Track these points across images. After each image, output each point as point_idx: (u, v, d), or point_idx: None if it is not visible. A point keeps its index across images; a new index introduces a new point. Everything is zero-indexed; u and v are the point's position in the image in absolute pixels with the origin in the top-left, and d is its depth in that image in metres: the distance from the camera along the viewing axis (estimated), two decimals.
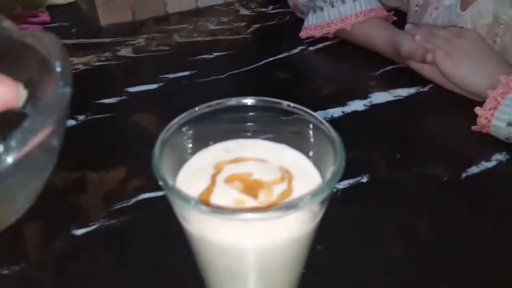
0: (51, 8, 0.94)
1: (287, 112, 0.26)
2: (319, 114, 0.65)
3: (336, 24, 0.79)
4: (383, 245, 0.44)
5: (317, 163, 0.26)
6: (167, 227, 0.41)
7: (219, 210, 0.20)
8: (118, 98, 0.65)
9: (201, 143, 0.27)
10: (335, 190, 0.50)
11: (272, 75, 0.74)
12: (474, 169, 0.53)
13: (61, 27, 0.88)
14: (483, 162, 0.54)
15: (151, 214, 0.46)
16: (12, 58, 0.26)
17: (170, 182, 0.22)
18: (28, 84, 0.25)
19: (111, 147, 0.56)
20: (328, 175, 0.23)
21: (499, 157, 0.55)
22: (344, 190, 0.50)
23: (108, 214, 0.46)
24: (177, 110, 0.65)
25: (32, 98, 0.24)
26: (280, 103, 0.26)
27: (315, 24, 0.82)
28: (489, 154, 0.55)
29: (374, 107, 0.65)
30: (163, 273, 0.40)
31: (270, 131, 0.27)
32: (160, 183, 0.22)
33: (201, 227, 0.22)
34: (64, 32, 0.86)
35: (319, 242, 0.43)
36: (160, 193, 0.48)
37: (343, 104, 0.65)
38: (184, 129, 0.25)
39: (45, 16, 0.89)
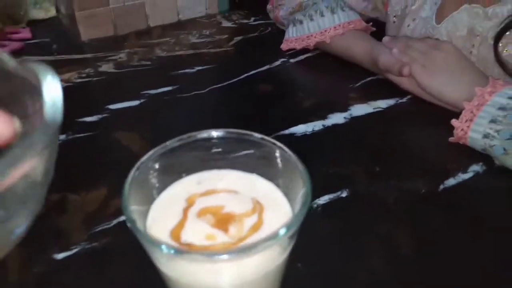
0: (32, 23, 0.93)
1: (256, 143, 0.26)
2: (301, 128, 0.66)
3: (315, 37, 0.80)
4: (363, 259, 0.45)
5: (287, 192, 0.27)
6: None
7: (187, 252, 0.21)
8: (100, 116, 0.65)
9: (173, 175, 0.28)
10: (315, 206, 0.51)
11: (254, 89, 0.75)
12: (451, 181, 0.54)
13: (42, 43, 0.88)
14: (460, 174, 0.55)
15: (133, 235, 0.46)
16: (7, 91, 0.26)
17: (138, 224, 0.22)
18: (23, 119, 0.24)
19: (92, 167, 0.57)
20: (297, 206, 0.24)
21: (476, 168, 0.56)
22: (324, 205, 0.51)
23: (89, 237, 0.46)
24: (159, 127, 0.66)
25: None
26: (250, 135, 0.27)
27: (295, 37, 0.83)
28: (466, 166, 0.56)
29: (354, 119, 0.66)
30: None
31: (241, 162, 0.28)
32: (129, 225, 0.22)
33: (171, 268, 0.23)
34: (45, 48, 0.86)
35: (299, 260, 0.44)
36: None
37: (324, 117, 0.66)
38: (155, 164, 0.26)
39: (26, 32, 0.89)
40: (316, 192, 0.52)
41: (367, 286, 0.42)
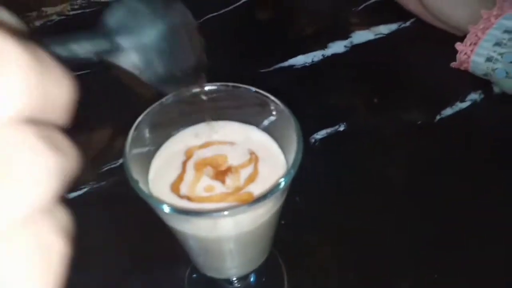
0: None
1: (251, 96, 0.27)
2: (300, 59, 0.65)
3: None
4: (358, 191, 0.47)
5: (281, 143, 0.28)
6: None
7: (189, 212, 0.22)
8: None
9: (171, 129, 0.29)
10: (313, 140, 0.52)
11: (252, 16, 0.73)
12: (448, 111, 0.54)
13: None
14: (457, 103, 0.55)
15: None
16: None
17: (141, 185, 0.24)
18: None
19: (94, 106, 0.57)
20: (290, 159, 0.25)
21: (474, 96, 0.56)
22: (321, 139, 0.52)
23: (97, 177, 0.48)
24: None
25: None
26: (246, 88, 0.27)
27: None
28: (464, 94, 0.56)
29: (354, 47, 0.65)
30: (154, 234, 0.43)
31: (237, 114, 0.29)
32: (132, 185, 0.24)
33: (174, 221, 0.25)
34: None
35: (297, 193, 0.46)
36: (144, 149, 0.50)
37: (324, 46, 0.64)
38: (152, 120, 0.27)
39: None
40: (314, 127, 0.53)
41: (361, 217, 0.45)
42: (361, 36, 0.66)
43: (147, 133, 0.27)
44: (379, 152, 0.51)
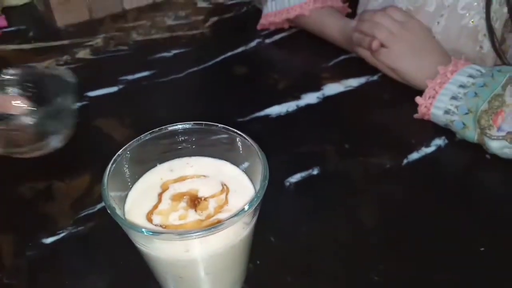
0: (7, 10, 0.93)
1: (221, 132, 0.29)
2: (275, 110, 0.69)
3: (295, 10, 0.81)
4: (330, 233, 0.48)
5: (250, 175, 0.30)
6: None
7: (161, 232, 0.24)
8: (79, 104, 0.67)
9: (147, 164, 0.30)
10: (288, 184, 0.54)
11: (230, 71, 0.77)
12: (414, 155, 0.58)
13: (18, 31, 0.88)
14: (423, 148, 0.59)
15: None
16: None
17: (118, 211, 0.25)
18: None
19: (75, 155, 0.59)
20: (258, 187, 0.27)
21: (438, 142, 0.60)
22: (296, 183, 0.54)
23: (75, 222, 0.49)
24: (138, 113, 0.67)
25: None
26: (215, 125, 0.30)
27: (275, 11, 0.84)
28: (429, 140, 0.60)
29: (326, 99, 0.69)
30: (129, 272, 0.44)
31: (209, 149, 0.31)
32: (109, 211, 0.25)
33: (148, 246, 0.26)
34: (22, 35, 0.86)
35: (272, 234, 0.48)
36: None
37: (298, 97, 0.69)
38: (130, 155, 0.29)
39: (1, 20, 0.89)
40: (288, 171, 0.55)
41: (334, 256, 0.46)
42: (332, 88, 0.71)
43: (124, 167, 0.28)
44: (350, 194, 0.53)
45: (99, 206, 0.51)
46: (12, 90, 0.53)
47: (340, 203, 0.52)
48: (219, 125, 0.30)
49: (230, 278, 0.31)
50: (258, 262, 0.44)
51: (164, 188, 0.29)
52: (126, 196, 0.29)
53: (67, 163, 0.57)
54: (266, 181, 0.26)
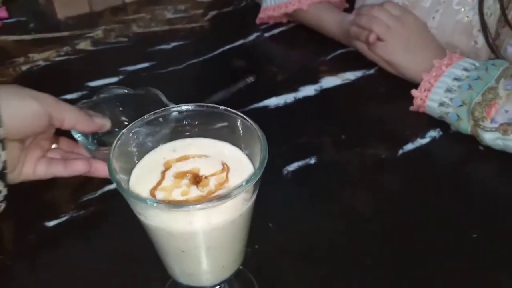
0: (8, 2, 0.94)
1: (222, 114, 0.31)
2: (273, 101, 0.70)
3: (293, 4, 0.82)
4: (326, 220, 0.50)
5: (250, 155, 0.31)
6: (128, 214, 0.46)
7: (166, 204, 0.25)
8: (80, 93, 0.68)
9: (151, 144, 0.31)
10: (285, 172, 0.55)
11: (229, 64, 0.78)
12: (409, 146, 0.59)
13: (19, 22, 0.89)
14: (418, 139, 0.60)
15: (116, 203, 0.50)
16: None
17: (123, 184, 0.26)
18: None
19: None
20: (256, 166, 0.28)
21: (433, 133, 0.61)
22: (293, 171, 0.55)
23: (77, 206, 0.50)
24: (139, 103, 0.68)
25: None
26: (216, 107, 0.31)
27: (274, 5, 0.85)
28: (424, 132, 0.61)
29: (324, 91, 0.70)
30: (129, 255, 0.45)
31: (210, 130, 0.32)
32: (115, 184, 0.26)
33: (153, 218, 0.27)
34: (22, 27, 0.87)
35: (270, 220, 0.49)
36: None
37: (296, 90, 0.70)
38: (135, 135, 0.30)
39: (2, 12, 0.89)
40: (286, 160, 0.56)
41: (329, 242, 0.47)
42: (329, 81, 0.72)
43: (129, 145, 0.29)
44: (346, 183, 0.54)
45: (99, 191, 0.52)
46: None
47: (336, 191, 0.53)
48: (221, 107, 0.31)
49: (230, 255, 0.32)
50: (256, 246, 0.46)
51: (167, 167, 0.30)
52: (130, 173, 0.30)
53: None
54: (266, 159, 0.27)
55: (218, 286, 0.37)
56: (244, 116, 0.30)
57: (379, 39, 0.69)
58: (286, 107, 0.67)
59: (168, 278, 0.41)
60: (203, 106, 0.31)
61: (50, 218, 0.48)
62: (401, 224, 0.49)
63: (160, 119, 0.31)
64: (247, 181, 0.26)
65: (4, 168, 0.40)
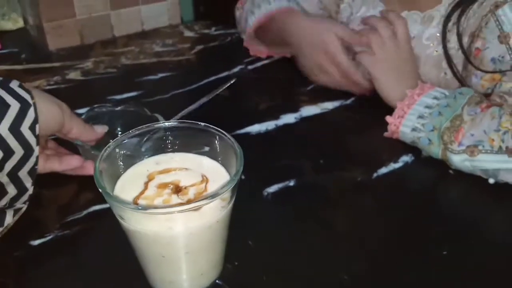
0: (1, 34, 0.97)
1: (202, 130, 0.33)
2: (255, 128, 0.73)
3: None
4: (305, 238, 0.52)
5: (227, 168, 0.33)
6: (114, 233, 0.48)
7: (146, 206, 0.27)
8: None
9: (135, 158, 0.34)
10: (266, 194, 0.57)
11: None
12: (383, 170, 0.62)
13: (11, 53, 0.92)
14: (391, 164, 0.63)
15: (101, 223, 0.52)
16: None
17: (108, 190, 0.28)
18: None
19: None
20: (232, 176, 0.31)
21: (405, 158, 0.65)
22: (273, 193, 0.58)
23: (62, 226, 0.51)
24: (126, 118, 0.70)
25: None
26: (197, 123, 0.34)
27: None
28: (397, 156, 0.65)
29: (303, 119, 0.74)
30: (113, 273, 0.46)
31: (191, 145, 0.35)
32: (100, 190, 0.28)
33: (134, 223, 0.29)
34: (14, 57, 0.90)
35: (250, 238, 0.51)
36: (108, 205, 0.53)
37: (277, 117, 0.73)
38: (120, 148, 0.32)
39: None
40: (266, 182, 0.59)
41: (308, 259, 0.49)
42: (309, 110, 0.76)
43: (115, 157, 0.32)
44: (324, 203, 0.57)
45: (84, 212, 0.53)
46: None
47: (315, 212, 0.55)
48: (201, 123, 0.33)
49: (208, 261, 0.34)
50: (236, 263, 0.47)
51: (150, 178, 0.32)
52: (115, 183, 0.32)
53: (55, 174, 0.60)
54: (241, 168, 0.30)
55: None
56: (223, 131, 0.33)
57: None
58: (267, 133, 0.70)
59: None
60: (184, 122, 0.34)
61: (35, 237, 0.50)
62: (377, 241, 0.52)
63: (145, 134, 0.34)
64: (223, 186, 0.29)
65: (36, 163, 0.43)
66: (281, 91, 0.84)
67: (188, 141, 0.35)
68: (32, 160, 0.45)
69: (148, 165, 0.34)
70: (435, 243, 0.51)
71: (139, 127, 0.33)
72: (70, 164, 0.54)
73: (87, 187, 0.57)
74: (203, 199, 0.27)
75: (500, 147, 0.58)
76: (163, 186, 0.32)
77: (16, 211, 0.45)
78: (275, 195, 0.57)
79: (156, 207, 0.28)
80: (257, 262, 0.48)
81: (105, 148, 0.31)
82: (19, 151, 0.43)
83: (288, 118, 0.73)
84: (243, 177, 0.57)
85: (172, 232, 0.29)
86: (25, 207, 0.46)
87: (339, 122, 0.74)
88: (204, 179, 0.32)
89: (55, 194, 0.56)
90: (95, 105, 0.62)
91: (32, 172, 0.45)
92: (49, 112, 0.48)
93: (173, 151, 0.35)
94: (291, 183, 0.59)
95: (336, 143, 0.69)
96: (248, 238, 0.51)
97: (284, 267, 0.48)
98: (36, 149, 0.44)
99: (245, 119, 0.72)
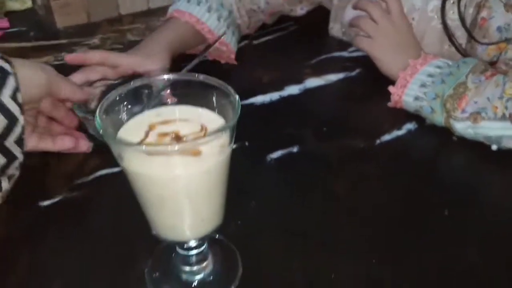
0: (9, 14, 0.98)
1: (201, 83, 0.34)
2: (259, 98, 0.73)
3: None
4: (306, 202, 0.53)
5: (226, 118, 0.34)
6: (119, 195, 0.49)
7: (145, 144, 0.28)
8: None
9: (136, 110, 0.35)
10: (269, 159, 0.58)
11: (218, 66, 0.82)
12: (386, 137, 0.62)
13: (19, 32, 0.93)
14: (395, 131, 0.64)
15: (107, 187, 0.53)
16: None
17: (108, 131, 0.29)
18: None
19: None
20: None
21: (409, 126, 0.65)
22: (276, 159, 0.58)
23: (70, 189, 0.53)
24: None
25: None
26: (196, 76, 0.34)
27: None
28: (401, 124, 0.65)
29: (307, 90, 0.74)
30: (118, 233, 0.48)
31: (190, 98, 0.35)
32: (101, 131, 0.29)
33: (134, 164, 0.30)
34: (23, 36, 0.91)
35: (253, 199, 0.52)
36: (114, 170, 0.55)
37: (281, 89, 0.73)
38: (121, 100, 0.33)
39: (4, 22, 0.94)
40: (270, 148, 0.60)
41: (308, 220, 0.50)
42: (313, 82, 0.76)
43: (116, 106, 0.33)
44: (327, 171, 0.57)
45: (92, 176, 0.55)
46: None
47: (317, 176, 0.56)
48: (200, 75, 0.34)
49: (209, 207, 0.35)
50: (239, 222, 0.48)
51: (151, 128, 0.33)
52: (116, 132, 0.33)
53: None
54: (238, 112, 0.31)
55: (200, 249, 0.40)
56: (221, 82, 0.33)
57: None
58: (271, 104, 0.70)
59: (153, 249, 0.44)
60: (184, 75, 0.34)
61: (44, 198, 0.51)
62: (378, 203, 0.52)
63: (145, 87, 0.34)
64: (221, 128, 0.30)
65: (22, 132, 0.44)
66: (285, 65, 0.84)
67: (187, 93, 0.35)
68: (17, 130, 0.44)
69: (149, 116, 0.35)
70: (437, 206, 0.52)
71: (139, 79, 0.34)
72: (63, 145, 0.54)
73: (93, 154, 0.58)
74: (201, 139, 0.28)
75: (503, 114, 0.58)
76: (163, 135, 0.33)
77: (10, 177, 0.45)
78: (278, 160, 0.58)
79: (154, 144, 0.28)
80: (259, 221, 0.49)
81: (105, 97, 0.32)
82: (1, 121, 0.42)
83: (292, 90, 0.74)
84: (246, 143, 0.61)
85: (172, 174, 0.30)
86: (17, 174, 0.46)
87: (343, 93, 0.75)
88: (203, 128, 0.33)
89: (63, 160, 0.57)
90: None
91: (19, 141, 0.45)
92: (32, 78, 0.47)
93: (173, 103, 0.35)
94: (294, 150, 0.60)
95: (340, 113, 0.69)
96: (251, 200, 0.52)
97: (285, 226, 0.49)
98: (21, 118, 0.44)
99: (250, 90, 0.73)
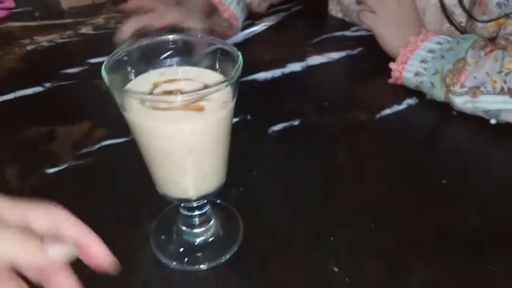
0: None
1: (204, 42, 0.35)
2: (262, 75, 0.74)
3: None
4: (307, 171, 0.54)
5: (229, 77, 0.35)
6: (124, 164, 0.50)
7: (149, 94, 0.29)
8: (81, 68, 0.73)
9: (141, 69, 0.36)
10: (271, 131, 0.59)
11: None
12: (387, 111, 0.63)
13: (25, 12, 0.94)
14: (395, 106, 0.64)
15: (112, 156, 0.55)
16: None
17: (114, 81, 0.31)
18: None
19: (77, 106, 0.64)
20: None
21: (409, 101, 0.66)
22: (278, 131, 0.59)
23: (76, 157, 0.54)
24: None
25: None
26: (200, 36, 0.35)
27: None
28: (401, 99, 0.66)
29: (309, 67, 0.75)
30: (123, 198, 0.49)
31: (194, 58, 0.36)
32: (108, 84, 0.30)
33: (138, 116, 0.31)
34: (28, 15, 0.92)
35: (255, 169, 0.53)
36: (119, 140, 0.56)
37: (283, 66, 0.74)
38: (128, 57, 0.34)
39: (10, 2, 0.95)
40: (272, 121, 0.61)
41: (309, 188, 0.51)
42: (315, 59, 0.77)
43: (120, 67, 0.34)
44: (327, 142, 0.58)
45: (97, 145, 0.56)
46: None
47: (318, 147, 0.57)
48: (203, 35, 0.35)
49: (211, 163, 0.36)
50: (241, 189, 0.50)
51: (155, 86, 0.34)
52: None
53: (69, 112, 0.63)
54: (240, 66, 0.32)
55: (203, 210, 0.41)
56: (223, 41, 0.34)
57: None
58: (274, 80, 0.71)
59: (157, 213, 0.46)
60: (187, 35, 0.35)
61: (50, 166, 0.52)
62: (377, 172, 0.53)
63: (150, 46, 0.35)
64: (223, 81, 0.31)
65: None
66: (288, 43, 0.85)
67: (191, 54, 0.36)
68: None
69: (153, 75, 0.36)
70: (435, 175, 0.53)
71: (144, 38, 0.35)
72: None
73: (100, 124, 0.59)
74: (204, 90, 0.29)
75: (502, 88, 0.58)
76: (167, 92, 0.34)
77: None
78: (279, 133, 0.59)
79: (161, 95, 0.30)
80: (260, 188, 0.50)
81: (111, 54, 0.33)
82: None
83: (294, 67, 0.74)
84: (249, 117, 0.61)
85: (175, 127, 0.31)
86: None
87: (344, 70, 0.75)
88: (206, 87, 0.34)
89: (69, 130, 0.59)
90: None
91: None
92: None
93: (177, 64, 0.36)
94: (296, 123, 0.61)
95: (341, 89, 0.70)
96: (253, 169, 0.53)
97: (286, 193, 0.50)
98: None
99: (251, 67, 0.74)
